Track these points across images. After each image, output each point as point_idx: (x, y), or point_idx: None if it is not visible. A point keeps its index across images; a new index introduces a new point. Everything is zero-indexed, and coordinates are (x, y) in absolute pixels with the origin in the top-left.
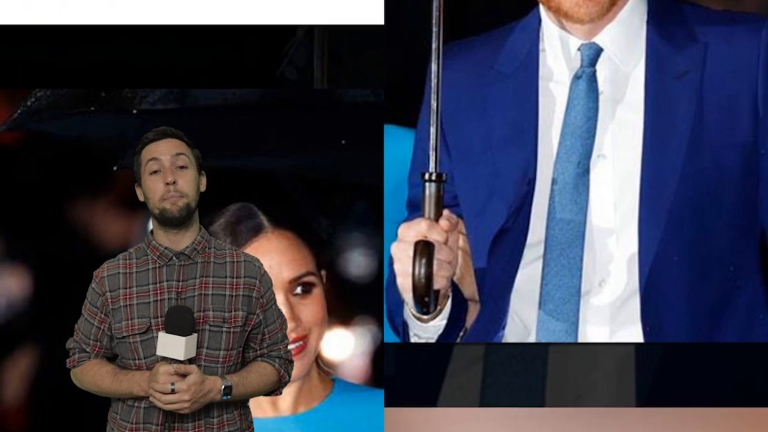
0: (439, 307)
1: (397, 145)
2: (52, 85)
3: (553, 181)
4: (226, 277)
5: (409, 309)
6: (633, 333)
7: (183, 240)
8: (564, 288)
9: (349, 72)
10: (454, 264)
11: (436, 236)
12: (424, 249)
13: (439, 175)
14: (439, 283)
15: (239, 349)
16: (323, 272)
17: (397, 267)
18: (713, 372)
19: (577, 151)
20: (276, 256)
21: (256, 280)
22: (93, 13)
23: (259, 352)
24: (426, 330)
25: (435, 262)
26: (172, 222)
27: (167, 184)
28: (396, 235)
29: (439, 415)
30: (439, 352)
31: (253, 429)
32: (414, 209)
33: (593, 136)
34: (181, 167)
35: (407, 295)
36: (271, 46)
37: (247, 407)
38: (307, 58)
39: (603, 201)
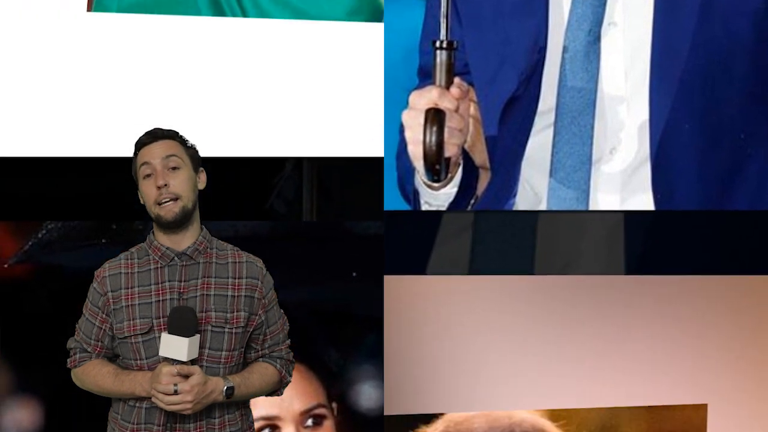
0: (450, 175)
1: (407, 13)
2: (62, 218)
3: (564, 49)
4: (228, 278)
5: (420, 177)
6: (644, 201)
7: (184, 240)
8: (575, 156)
9: (338, 204)
10: (465, 131)
11: (447, 104)
12: (435, 116)
13: (450, 43)
14: (450, 150)
15: (241, 349)
16: (334, 404)
17: (408, 135)
18: (707, 240)
19: (588, 18)
20: (287, 389)
21: (258, 281)
22: (103, 146)
23: (260, 352)
24: (437, 198)
25: (446, 130)
26: (169, 226)
27: (159, 187)
28: (407, 102)
29: (428, 283)
30: (428, 221)
31: (254, 429)
32: (425, 77)
33: (604, 4)
34: (173, 168)
35: (418, 163)
36: (260, 178)
37: (248, 408)
38: (295, 191)
39: (614, 69)
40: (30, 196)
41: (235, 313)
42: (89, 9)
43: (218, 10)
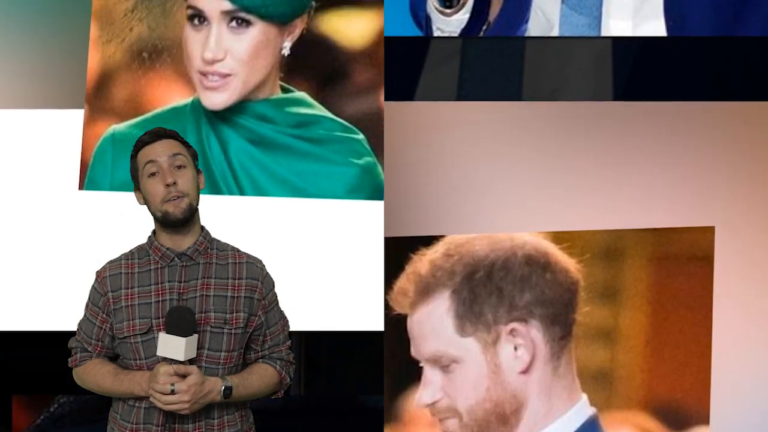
0: (462, 1)
1: None
2: (74, 392)
3: None
4: (228, 279)
5: (432, 2)
6: (656, 27)
7: (185, 241)
8: None
9: (324, 376)
10: None
11: None
12: None
13: None
14: None
15: (240, 350)
16: None
17: None
18: (712, 66)
19: None
20: None
21: (258, 282)
22: None
23: (260, 353)
24: (449, 24)
25: None
26: (176, 224)
27: (167, 185)
28: None
29: (416, 109)
30: (416, 47)
31: (254, 430)
32: None
33: None
34: (179, 167)
35: None
36: None
37: (248, 409)
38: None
39: None
40: (42, 370)
41: (234, 314)
42: (81, 187)
43: (214, 188)
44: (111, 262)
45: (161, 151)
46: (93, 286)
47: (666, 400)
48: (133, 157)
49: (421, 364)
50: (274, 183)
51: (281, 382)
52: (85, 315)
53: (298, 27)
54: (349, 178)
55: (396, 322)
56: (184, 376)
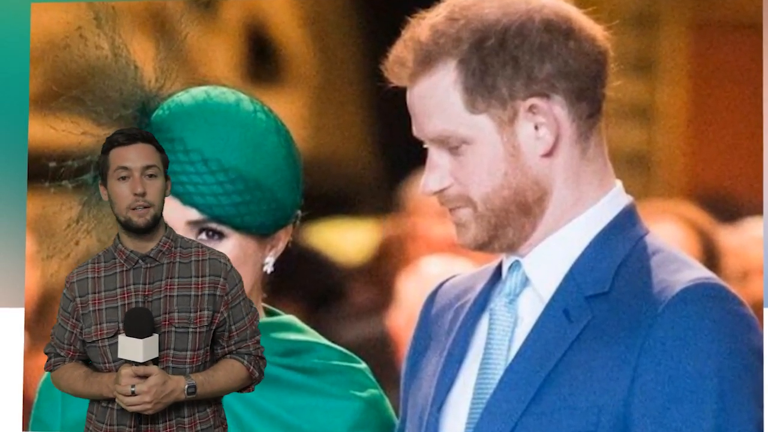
0: None
1: None
2: None
3: None
4: (191, 277)
5: None
6: None
7: (149, 243)
8: None
9: None
10: None
11: None
12: None
13: None
14: None
15: (206, 348)
16: None
17: None
18: None
19: None
20: None
21: (221, 278)
22: None
23: (227, 349)
24: None
25: None
26: (138, 231)
27: (136, 194)
28: None
29: None
30: None
31: (226, 426)
32: None
33: None
34: (151, 176)
35: None
36: None
37: (220, 405)
38: None
39: None
40: None
41: (198, 313)
42: (25, 429)
43: None
44: (78, 267)
45: (135, 157)
46: (63, 292)
47: (712, 187)
48: (104, 153)
49: (425, 146)
50: (261, 420)
51: (250, 377)
52: (57, 321)
53: (282, 240)
54: (352, 413)
55: (393, 96)
56: (144, 377)
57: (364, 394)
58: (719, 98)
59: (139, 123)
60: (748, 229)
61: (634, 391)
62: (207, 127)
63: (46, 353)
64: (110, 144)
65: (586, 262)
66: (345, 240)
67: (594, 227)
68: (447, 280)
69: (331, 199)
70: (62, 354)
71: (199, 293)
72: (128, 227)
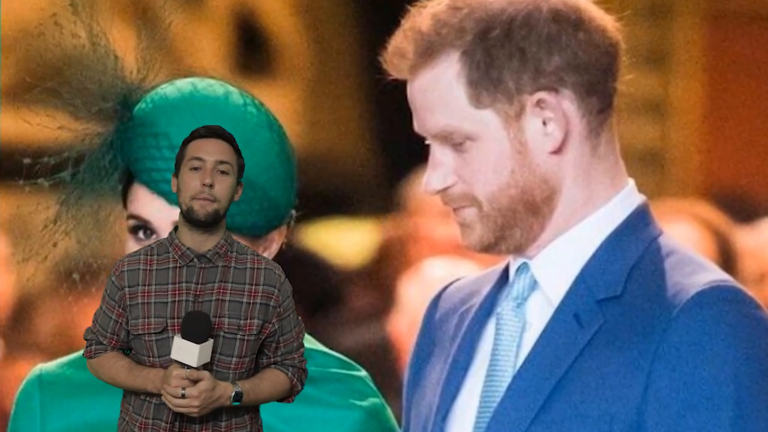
0: None
1: None
2: None
3: None
4: (245, 284)
5: None
6: None
7: (207, 242)
8: None
9: None
10: None
11: None
12: None
13: None
14: None
15: (252, 356)
16: None
17: None
18: None
19: None
20: None
21: (275, 289)
22: None
23: (272, 359)
24: None
25: None
26: (197, 224)
27: (204, 184)
28: None
29: None
30: None
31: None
32: None
33: None
34: (223, 172)
35: None
36: None
37: (258, 411)
38: None
39: None
40: None
41: (248, 321)
42: None
43: None
44: (129, 256)
45: (211, 151)
46: (110, 279)
47: (729, 186)
48: (183, 145)
49: (427, 142)
50: None
51: (292, 389)
52: (101, 307)
53: (276, 241)
54: (351, 423)
55: (393, 89)
56: (195, 381)
57: (364, 404)
58: (736, 93)
59: (121, 117)
60: (765, 230)
61: (648, 399)
62: (194, 121)
63: (86, 339)
64: (191, 136)
65: (597, 265)
66: (343, 241)
67: (605, 228)
68: (451, 283)
69: (327, 198)
70: (104, 342)
71: (251, 301)
72: (189, 218)
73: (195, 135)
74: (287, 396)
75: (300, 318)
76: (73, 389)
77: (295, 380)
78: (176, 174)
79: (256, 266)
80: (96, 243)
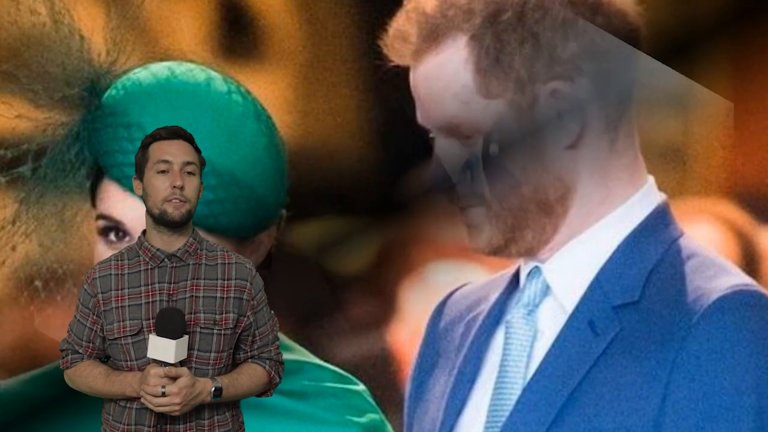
0: None
1: None
2: None
3: None
4: (217, 279)
5: None
6: None
7: (176, 242)
8: None
9: None
10: None
11: None
12: None
13: None
14: None
15: (230, 351)
16: None
17: None
18: None
19: None
20: None
21: (248, 282)
22: None
23: (249, 353)
24: None
25: None
26: (171, 225)
27: (175, 187)
28: None
29: None
30: None
31: (243, 430)
32: None
33: None
34: (190, 173)
35: None
36: None
37: (239, 408)
38: None
39: None
40: None
41: (224, 315)
42: None
43: None
44: (100, 263)
45: (176, 152)
46: (83, 288)
47: (753, 184)
48: (144, 147)
49: (431, 135)
50: None
51: (270, 382)
52: (75, 317)
53: (265, 244)
54: None
55: (394, 76)
56: (174, 378)
57: (362, 420)
58: (762, 83)
59: (87, 105)
60: None
61: (666, 411)
62: (171, 110)
63: (61, 350)
64: (152, 138)
65: (613, 269)
66: (339, 244)
67: (623, 229)
68: (457, 289)
69: (321, 197)
70: (80, 351)
71: (225, 296)
72: (162, 220)
73: (156, 137)
74: (266, 390)
75: (273, 312)
76: (37, 409)
77: (273, 373)
78: (139, 177)
79: (227, 261)
80: (60, 246)
